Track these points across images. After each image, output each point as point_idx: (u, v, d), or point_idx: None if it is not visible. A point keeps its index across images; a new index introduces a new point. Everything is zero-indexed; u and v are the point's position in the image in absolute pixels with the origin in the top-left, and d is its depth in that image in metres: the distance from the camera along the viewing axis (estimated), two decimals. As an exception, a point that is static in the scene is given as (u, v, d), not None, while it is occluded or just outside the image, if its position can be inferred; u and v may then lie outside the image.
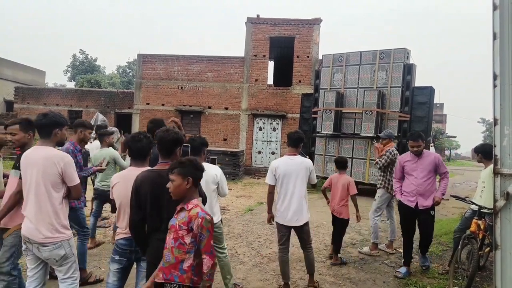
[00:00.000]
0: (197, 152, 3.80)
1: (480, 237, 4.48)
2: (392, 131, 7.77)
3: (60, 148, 3.91)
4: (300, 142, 4.37)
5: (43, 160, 2.89)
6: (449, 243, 6.21)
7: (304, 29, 17.32)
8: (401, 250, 6.02)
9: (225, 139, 18.05)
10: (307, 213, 4.32)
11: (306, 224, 4.33)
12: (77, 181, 3.02)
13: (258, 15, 17.78)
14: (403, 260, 5.19)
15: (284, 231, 4.33)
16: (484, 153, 5.08)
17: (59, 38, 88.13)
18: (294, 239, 4.51)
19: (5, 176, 3.64)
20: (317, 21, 17.31)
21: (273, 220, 4.43)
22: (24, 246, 2.99)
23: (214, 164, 4.29)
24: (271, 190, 4.35)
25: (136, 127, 18.69)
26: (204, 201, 2.87)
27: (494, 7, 2.84)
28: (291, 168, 4.25)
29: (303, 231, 4.34)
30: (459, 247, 4.41)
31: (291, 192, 4.24)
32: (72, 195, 3.05)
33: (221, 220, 4.06)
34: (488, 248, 4.82)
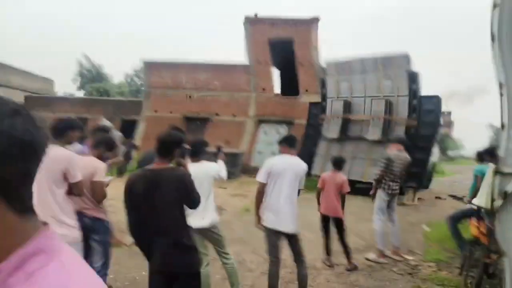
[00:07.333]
0: (198, 153, 3.79)
1: (485, 243, 4.39)
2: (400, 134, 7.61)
3: (77, 151, 3.99)
4: (296, 143, 4.24)
5: (48, 159, 2.94)
6: (455, 249, 6.11)
7: (302, 29, 16.96)
8: (409, 258, 6.01)
9: (227, 142, 17.74)
10: (296, 221, 4.07)
11: (297, 232, 4.11)
12: (78, 178, 3.09)
13: (256, 15, 17.49)
14: None
15: (274, 239, 4.00)
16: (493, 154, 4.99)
17: (65, 47, 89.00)
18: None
19: None
20: (315, 21, 17.05)
21: (259, 223, 4.10)
22: None
23: (220, 151, 4.26)
24: (262, 188, 4.00)
25: (141, 133, 18.66)
26: (197, 203, 2.86)
27: (494, 5, 2.73)
28: (290, 167, 3.99)
29: (295, 240, 4.08)
30: (467, 253, 4.36)
31: (285, 193, 3.93)
32: (74, 192, 3.13)
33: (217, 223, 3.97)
34: (496, 256, 4.74)
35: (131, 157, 13.98)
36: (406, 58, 11.55)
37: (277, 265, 4.02)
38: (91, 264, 3.69)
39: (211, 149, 4.23)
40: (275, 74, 19.82)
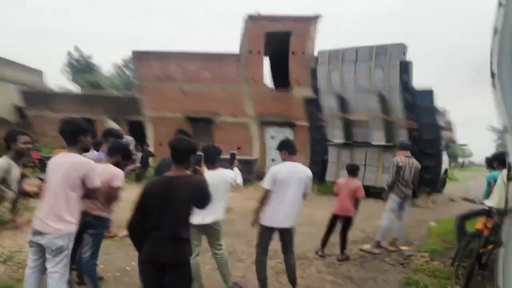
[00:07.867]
0: (212, 161, 3.92)
1: (486, 235, 4.40)
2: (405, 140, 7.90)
3: (92, 158, 4.01)
4: (295, 149, 4.28)
5: (67, 166, 3.06)
6: (453, 241, 6.13)
7: (302, 25, 16.72)
8: (404, 248, 6.02)
9: (238, 148, 16.92)
10: (295, 218, 4.16)
11: (292, 227, 4.17)
12: (98, 184, 3.16)
13: (258, 13, 17.43)
14: None
15: (267, 234, 4.12)
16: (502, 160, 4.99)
17: (52, 35, 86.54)
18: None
19: None
20: (315, 18, 16.88)
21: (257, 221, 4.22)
22: (30, 237, 3.10)
23: (234, 159, 4.30)
24: (268, 195, 4.08)
25: (150, 136, 18.39)
26: (207, 205, 2.91)
27: (500, 4, 2.79)
28: (294, 175, 4.05)
29: (288, 234, 4.15)
30: (462, 244, 4.36)
31: (288, 200, 4.02)
32: (91, 196, 3.25)
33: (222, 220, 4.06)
34: (492, 246, 4.75)
35: (148, 164, 14.17)
36: (401, 48, 11.41)
37: (265, 254, 4.14)
38: (80, 254, 3.62)
39: (225, 155, 4.28)
40: (266, 63, 19.50)
